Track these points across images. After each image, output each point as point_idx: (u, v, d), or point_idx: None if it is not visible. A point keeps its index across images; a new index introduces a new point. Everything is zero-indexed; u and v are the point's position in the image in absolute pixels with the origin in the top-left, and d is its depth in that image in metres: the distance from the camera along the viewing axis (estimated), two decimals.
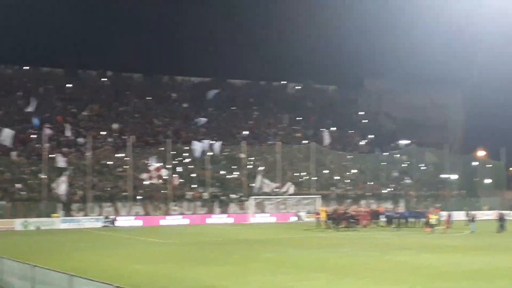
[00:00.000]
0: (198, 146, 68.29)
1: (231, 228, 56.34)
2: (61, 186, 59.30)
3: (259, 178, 68.47)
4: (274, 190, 69.23)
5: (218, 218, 64.09)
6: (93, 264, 28.67)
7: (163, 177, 65.57)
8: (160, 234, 48.28)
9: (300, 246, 37.40)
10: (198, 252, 33.90)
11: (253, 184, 68.13)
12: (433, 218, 48.09)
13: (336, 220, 52.08)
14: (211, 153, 69.35)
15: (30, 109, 70.41)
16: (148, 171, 66.68)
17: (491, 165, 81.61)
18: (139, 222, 60.56)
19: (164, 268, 27.34)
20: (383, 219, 55.08)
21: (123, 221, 59.70)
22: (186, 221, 62.21)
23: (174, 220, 61.95)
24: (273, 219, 65.69)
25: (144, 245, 39.46)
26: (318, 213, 55.86)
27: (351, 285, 22.70)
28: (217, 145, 70.14)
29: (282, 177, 71.02)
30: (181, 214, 64.21)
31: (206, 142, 69.05)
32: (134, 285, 21.81)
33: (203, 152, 68.36)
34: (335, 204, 67.37)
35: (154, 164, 66.25)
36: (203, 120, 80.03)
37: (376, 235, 46.20)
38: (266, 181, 68.77)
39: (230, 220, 64.22)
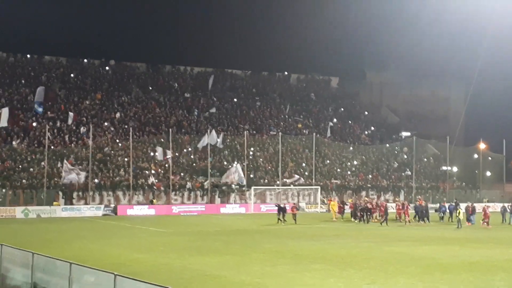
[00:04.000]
0: (206, 139, 67.34)
1: (234, 218, 56.41)
2: (81, 175, 59.70)
3: (234, 168, 67.16)
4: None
5: (187, 207, 62.70)
6: (93, 253, 28.81)
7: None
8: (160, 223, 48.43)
9: (300, 237, 37.50)
10: (198, 242, 34.00)
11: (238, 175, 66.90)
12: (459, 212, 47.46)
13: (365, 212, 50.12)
14: (215, 143, 68.85)
15: (36, 99, 70.17)
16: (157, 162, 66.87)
17: (492, 158, 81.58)
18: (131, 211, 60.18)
19: (164, 257, 27.45)
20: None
21: (123, 210, 59.78)
22: (151, 211, 60.76)
23: (141, 210, 60.53)
24: (242, 210, 64.43)
25: (145, 234, 39.61)
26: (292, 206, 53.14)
27: (351, 275, 22.82)
28: (220, 138, 69.59)
29: (283, 168, 71.03)
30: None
31: (214, 134, 68.45)
32: (134, 273, 21.92)
33: (206, 143, 67.91)
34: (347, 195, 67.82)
35: (166, 155, 65.45)
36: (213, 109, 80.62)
37: (377, 226, 46.32)
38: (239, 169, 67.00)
39: (202, 208, 62.94)
